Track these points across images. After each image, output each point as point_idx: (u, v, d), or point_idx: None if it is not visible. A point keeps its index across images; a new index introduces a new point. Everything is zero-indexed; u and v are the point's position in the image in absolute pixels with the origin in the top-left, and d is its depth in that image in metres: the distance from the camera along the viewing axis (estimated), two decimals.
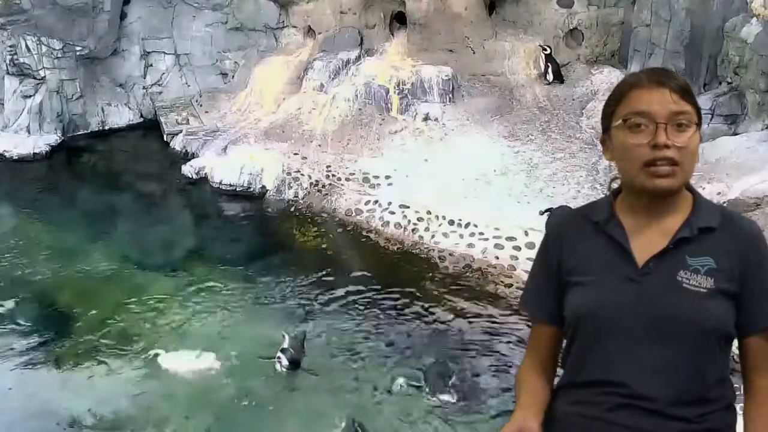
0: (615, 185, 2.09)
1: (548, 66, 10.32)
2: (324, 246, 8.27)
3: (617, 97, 1.98)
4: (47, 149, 10.60)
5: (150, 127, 11.29)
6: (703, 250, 1.93)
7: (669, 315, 1.91)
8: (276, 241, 8.55)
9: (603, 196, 2.12)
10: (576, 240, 2.04)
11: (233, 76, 11.76)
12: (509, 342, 6.56)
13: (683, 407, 1.91)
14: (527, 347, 2.19)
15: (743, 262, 1.93)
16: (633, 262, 1.95)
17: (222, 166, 9.58)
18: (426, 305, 7.12)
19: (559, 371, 2.15)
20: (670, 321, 1.90)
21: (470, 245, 7.92)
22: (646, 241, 1.96)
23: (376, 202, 8.73)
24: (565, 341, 2.11)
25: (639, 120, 1.90)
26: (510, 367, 6.18)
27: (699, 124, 1.94)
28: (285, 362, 6.15)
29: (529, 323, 2.27)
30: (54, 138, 10.78)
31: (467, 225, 8.13)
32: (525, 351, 2.21)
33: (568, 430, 2.02)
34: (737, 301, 1.93)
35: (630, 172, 1.94)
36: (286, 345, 6.24)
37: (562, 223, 2.12)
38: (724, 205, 6.54)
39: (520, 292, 7.34)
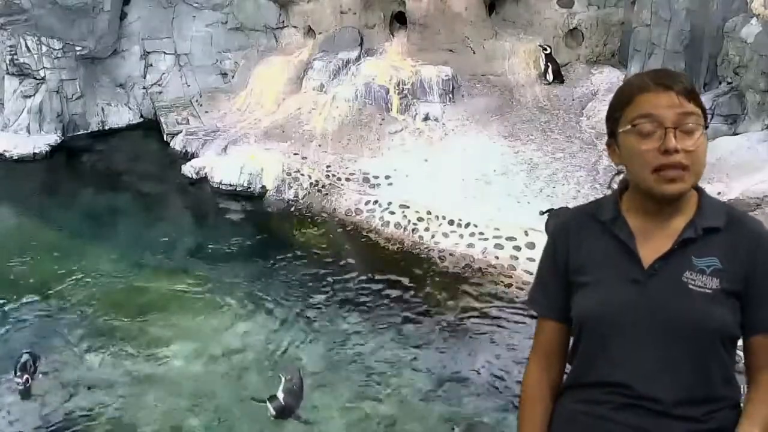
0: (615, 185, 2.09)
1: (548, 66, 10.31)
2: (324, 246, 8.26)
3: (624, 101, 1.98)
4: (47, 149, 10.60)
5: (150, 127, 11.29)
6: (708, 251, 1.93)
7: (674, 316, 1.91)
8: (276, 241, 8.54)
9: (606, 194, 2.13)
10: (583, 239, 2.05)
11: (233, 76, 11.76)
12: (510, 341, 6.56)
13: (689, 407, 1.91)
14: (534, 345, 2.19)
15: (749, 261, 1.93)
16: (639, 263, 1.96)
17: (222, 166, 9.58)
18: (426, 306, 7.11)
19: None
20: (675, 322, 1.91)
21: (470, 245, 7.92)
22: (652, 242, 1.96)
23: (376, 202, 8.73)
24: (572, 340, 2.11)
25: (647, 125, 1.90)
26: (509, 369, 6.18)
27: (706, 126, 1.94)
28: (272, 411, 5.65)
29: (532, 321, 2.27)
30: (54, 138, 10.78)
31: (467, 225, 8.13)
32: (531, 349, 2.20)
33: (575, 428, 2.02)
34: (742, 300, 1.93)
35: (640, 177, 1.94)
36: (279, 391, 5.70)
37: (570, 222, 2.12)
38: None
39: (521, 291, 7.39)
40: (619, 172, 2.09)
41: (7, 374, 6.21)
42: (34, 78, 10.76)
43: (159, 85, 11.74)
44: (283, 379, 5.80)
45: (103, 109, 11.39)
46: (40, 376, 6.15)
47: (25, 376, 6.01)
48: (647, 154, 1.90)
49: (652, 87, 1.93)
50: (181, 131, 10.69)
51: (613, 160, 2.05)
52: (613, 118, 2.01)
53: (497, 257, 7.71)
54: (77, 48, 10.86)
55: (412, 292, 7.30)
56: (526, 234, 7.79)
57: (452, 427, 5.66)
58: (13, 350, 6.46)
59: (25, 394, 5.96)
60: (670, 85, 1.92)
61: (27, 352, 6.20)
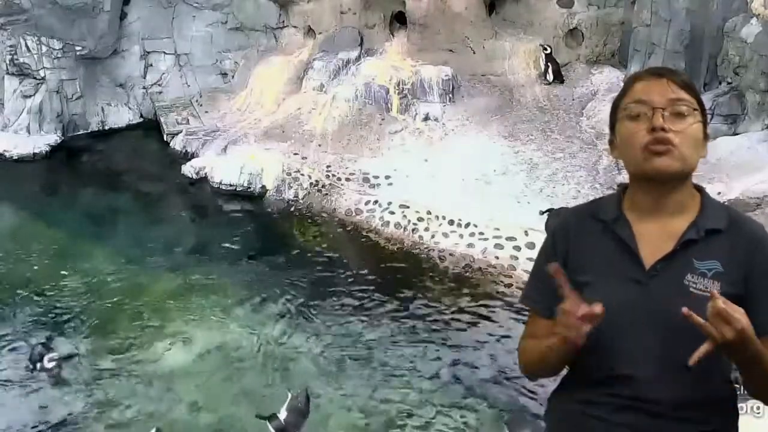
0: (616, 186, 2.09)
1: (548, 66, 10.31)
2: (324, 246, 8.27)
3: (621, 94, 2.03)
4: (47, 149, 10.60)
5: (150, 127, 11.29)
6: (709, 253, 1.93)
7: (675, 318, 1.90)
8: (276, 241, 8.54)
9: (608, 193, 2.13)
10: (583, 239, 2.05)
11: (233, 76, 11.76)
12: (510, 342, 6.56)
13: (687, 409, 1.91)
14: (524, 339, 2.19)
15: (750, 264, 1.92)
16: (640, 264, 1.95)
17: (222, 166, 9.58)
18: (426, 306, 7.11)
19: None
20: (675, 324, 1.90)
21: (470, 245, 7.92)
22: (654, 243, 1.96)
23: (376, 202, 8.73)
24: None
25: (638, 108, 1.94)
26: (509, 369, 6.18)
27: (703, 114, 1.95)
28: (272, 431, 5.46)
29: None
30: (54, 138, 10.78)
31: (467, 225, 8.13)
32: (520, 341, 2.20)
33: (573, 429, 2.02)
34: (743, 303, 1.92)
35: (631, 159, 1.96)
36: (282, 410, 5.52)
37: (569, 221, 2.12)
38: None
39: (521, 291, 7.33)
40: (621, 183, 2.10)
41: (7, 371, 6.24)
42: (34, 78, 10.76)
43: (159, 85, 11.74)
44: (289, 396, 5.65)
45: (103, 109, 11.39)
46: (60, 360, 6.28)
47: (48, 355, 6.17)
48: (637, 134, 1.93)
49: (645, 76, 1.99)
50: (181, 131, 10.69)
51: (613, 153, 2.07)
52: (613, 110, 2.05)
53: (497, 257, 7.71)
54: (77, 48, 10.86)
55: (412, 292, 7.30)
56: (526, 234, 7.79)
57: (502, 416, 5.69)
58: (14, 348, 6.49)
59: (56, 377, 6.17)
60: (664, 73, 1.97)
61: (41, 344, 6.33)
